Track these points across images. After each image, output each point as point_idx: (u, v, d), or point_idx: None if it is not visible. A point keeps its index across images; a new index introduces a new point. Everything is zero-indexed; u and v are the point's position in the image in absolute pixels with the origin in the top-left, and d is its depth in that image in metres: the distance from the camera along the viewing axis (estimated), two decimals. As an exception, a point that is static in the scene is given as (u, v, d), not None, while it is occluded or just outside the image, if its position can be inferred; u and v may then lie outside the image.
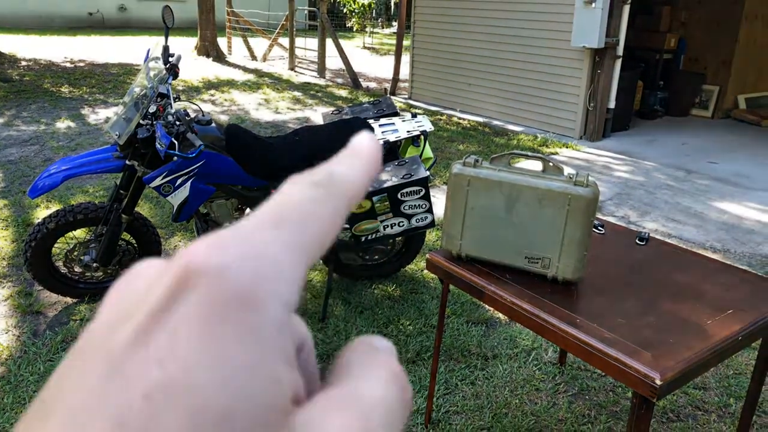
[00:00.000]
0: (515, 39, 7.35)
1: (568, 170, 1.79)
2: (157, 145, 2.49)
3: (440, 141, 6.61)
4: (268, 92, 9.32)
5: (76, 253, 2.88)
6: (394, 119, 3.04)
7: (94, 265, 2.89)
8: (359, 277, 3.31)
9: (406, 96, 9.30)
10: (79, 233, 3.12)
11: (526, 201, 1.78)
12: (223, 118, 7.32)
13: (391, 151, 2.95)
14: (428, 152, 2.99)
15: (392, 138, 2.87)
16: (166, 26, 2.77)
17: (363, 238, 2.78)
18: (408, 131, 2.90)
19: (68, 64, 11.08)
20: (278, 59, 13.34)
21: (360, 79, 11.08)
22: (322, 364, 2.58)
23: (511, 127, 7.47)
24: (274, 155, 2.78)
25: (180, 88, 9.18)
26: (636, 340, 1.52)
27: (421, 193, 2.70)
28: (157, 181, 2.61)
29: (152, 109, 2.61)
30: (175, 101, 2.78)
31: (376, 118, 3.08)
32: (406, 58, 9.47)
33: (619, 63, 6.61)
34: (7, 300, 3.00)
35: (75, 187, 4.61)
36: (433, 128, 2.94)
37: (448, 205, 1.90)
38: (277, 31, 12.94)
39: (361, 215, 2.70)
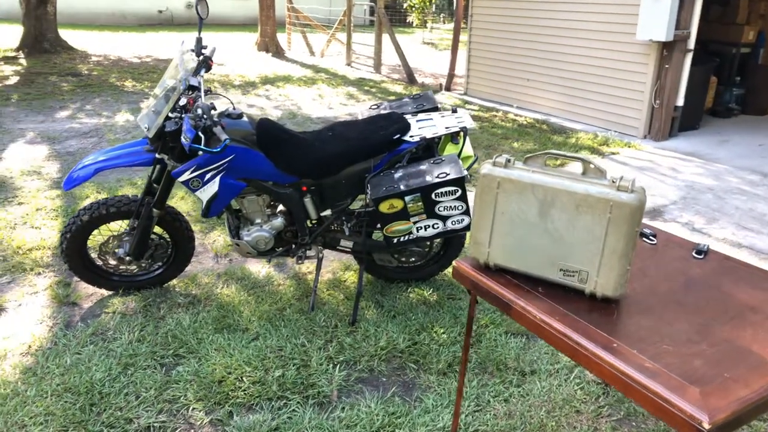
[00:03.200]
0: (576, 32, 7.00)
1: (612, 174, 1.58)
2: (182, 139, 2.43)
3: (494, 138, 6.38)
4: (323, 87, 9.30)
5: (110, 246, 2.88)
6: (433, 114, 2.88)
7: (127, 258, 2.88)
8: (394, 280, 3.17)
9: (462, 91, 9.07)
10: (117, 225, 3.13)
11: (562, 207, 1.59)
12: (276, 113, 7.34)
13: (428, 148, 2.79)
14: (468, 150, 2.82)
15: (429, 134, 2.71)
16: (200, 18, 2.72)
17: (395, 240, 2.64)
18: (447, 127, 2.74)
19: (135, 60, 11.45)
20: (336, 55, 13.33)
21: (416, 75, 10.92)
22: (348, 371, 2.47)
23: (570, 124, 7.13)
24: (306, 151, 2.68)
25: (237, 83, 9.30)
26: (683, 372, 1.31)
27: (458, 194, 2.53)
28: (186, 176, 2.56)
29: (182, 101, 2.56)
30: (206, 94, 2.73)
31: (415, 113, 2.93)
32: (464, 54, 9.23)
33: (689, 57, 6.17)
34: (47, 290, 3.03)
35: (124, 179, 4.68)
36: (474, 125, 2.76)
37: (476, 209, 1.73)
38: (334, 26, 12.93)
39: (393, 216, 2.56)
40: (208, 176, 2.59)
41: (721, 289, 1.70)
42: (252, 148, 2.63)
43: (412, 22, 19.13)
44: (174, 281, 3.14)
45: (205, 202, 2.65)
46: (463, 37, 9.46)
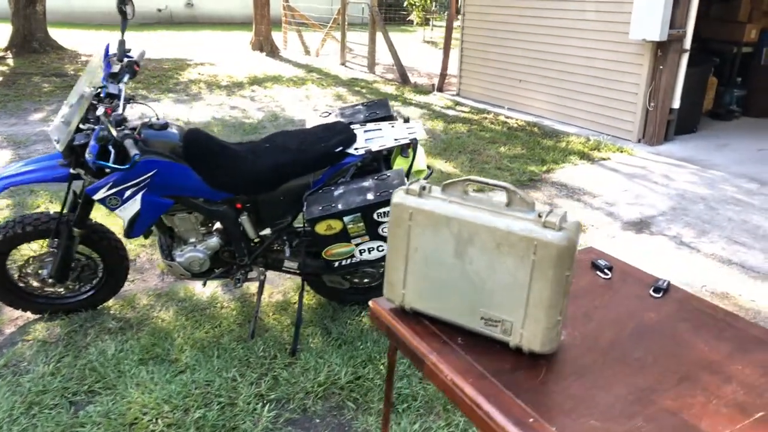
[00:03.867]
0: (568, 31, 6.71)
1: (541, 206, 1.33)
2: (86, 155, 2.19)
3: (480, 142, 6.11)
4: (312, 88, 9.05)
5: (31, 268, 2.65)
6: (383, 125, 2.63)
7: (50, 280, 2.65)
8: (347, 303, 2.92)
9: (455, 92, 8.80)
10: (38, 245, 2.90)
11: (481, 245, 1.33)
12: (259, 115, 7.10)
13: (376, 161, 2.54)
14: (419, 163, 2.57)
15: (376, 147, 2.46)
16: (124, 18, 2.48)
17: (336, 264, 2.39)
18: (396, 139, 2.49)
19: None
20: (332, 54, 13.09)
21: (412, 74, 10.65)
22: (278, 411, 2.22)
23: (562, 127, 6.85)
24: (238, 165, 2.44)
25: (224, 83, 9.08)
26: (607, 461, 1.06)
27: (402, 214, 2.28)
28: (102, 193, 2.32)
29: (100, 111, 2.33)
30: (128, 102, 2.49)
31: (365, 123, 2.68)
32: (457, 53, 8.96)
33: (685, 58, 5.87)
34: (-29, 312, 2.81)
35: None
36: (425, 136, 2.51)
37: (389, 243, 1.48)
38: (329, 25, 12.68)
39: (331, 237, 2.31)
40: (127, 193, 2.35)
41: (676, 338, 1.44)
42: (178, 161, 2.39)
43: (413, 20, 18.86)
44: (110, 302, 2.91)
45: (126, 222, 2.41)
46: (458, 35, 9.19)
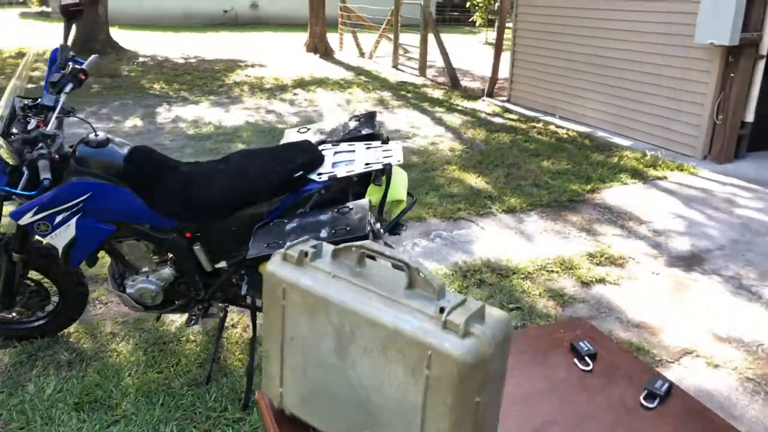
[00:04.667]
0: (627, 34, 6.08)
1: (452, 293, 0.92)
2: None
3: (523, 155, 5.60)
4: (356, 92, 8.75)
5: (-26, 292, 2.45)
6: (357, 145, 2.25)
7: (-4, 306, 2.44)
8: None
9: (505, 98, 8.27)
10: None
11: (365, 344, 0.94)
12: (293, 120, 6.86)
13: (345, 189, 2.16)
14: (396, 193, 2.17)
15: (342, 173, 2.09)
16: (66, 20, 2.23)
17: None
18: (366, 164, 2.10)
19: (180, 60, 11.37)
20: (387, 56, 12.77)
21: (465, 78, 10.18)
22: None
23: (616, 140, 6.22)
24: (183, 189, 2.13)
25: (268, 86, 8.94)
26: None
27: (360, 258, 1.89)
28: (27, 218, 2.07)
29: (32, 124, 2.08)
30: (68, 116, 2.24)
31: (338, 142, 2.31)
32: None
33: (762, 64, 5.14)
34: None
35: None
36: (401, 160, 2.10)
37: (263, 324, 1.11)
38: (382, 27, 12.36)
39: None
40: (58, 218, 2.08)
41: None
42: (118, 184, 2.11)
43: (475, 22, 18.26)
44: (72, 328, 2.68)
45: (61, 250, 2.15)
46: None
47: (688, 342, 2.75)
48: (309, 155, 2.14)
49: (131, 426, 2.12)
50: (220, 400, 2.26)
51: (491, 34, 17.97)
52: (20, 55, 10.67)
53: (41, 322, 2.56)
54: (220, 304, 2.39)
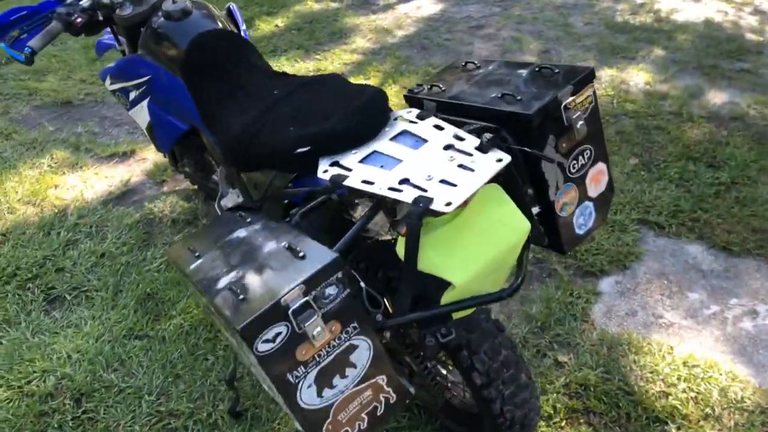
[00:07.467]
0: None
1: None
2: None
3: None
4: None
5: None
6: (434, 135, 1.12)
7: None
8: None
9: None
10: None
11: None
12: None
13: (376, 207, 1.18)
14: (432, 262, 1.08)
15: (355, 182, 1.08)
16: None
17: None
18: (391, 188, 1.03)
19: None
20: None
21: None
22: None
23: None
24: (241, 109, 1.40)
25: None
26: None
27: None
28: (108, 84, 1.83)
29: None
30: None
31: (438, 114, 1.21)
32: None
33: None
34: None
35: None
36: (455, 204, 0.93)
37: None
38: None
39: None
40: (132, 96, 1.76)
41: None
42: (176, 73, 1.58)
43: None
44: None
45: (144, 130, 1.89)
46: None
47: None
48: (349, 120, 1.16)
49: None
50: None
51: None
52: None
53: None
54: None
